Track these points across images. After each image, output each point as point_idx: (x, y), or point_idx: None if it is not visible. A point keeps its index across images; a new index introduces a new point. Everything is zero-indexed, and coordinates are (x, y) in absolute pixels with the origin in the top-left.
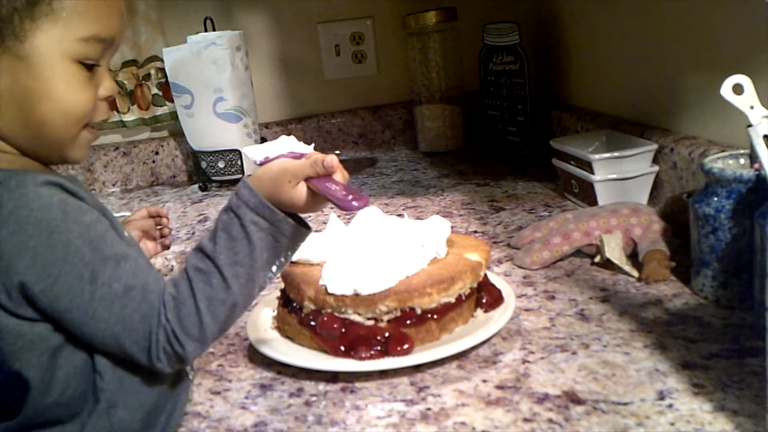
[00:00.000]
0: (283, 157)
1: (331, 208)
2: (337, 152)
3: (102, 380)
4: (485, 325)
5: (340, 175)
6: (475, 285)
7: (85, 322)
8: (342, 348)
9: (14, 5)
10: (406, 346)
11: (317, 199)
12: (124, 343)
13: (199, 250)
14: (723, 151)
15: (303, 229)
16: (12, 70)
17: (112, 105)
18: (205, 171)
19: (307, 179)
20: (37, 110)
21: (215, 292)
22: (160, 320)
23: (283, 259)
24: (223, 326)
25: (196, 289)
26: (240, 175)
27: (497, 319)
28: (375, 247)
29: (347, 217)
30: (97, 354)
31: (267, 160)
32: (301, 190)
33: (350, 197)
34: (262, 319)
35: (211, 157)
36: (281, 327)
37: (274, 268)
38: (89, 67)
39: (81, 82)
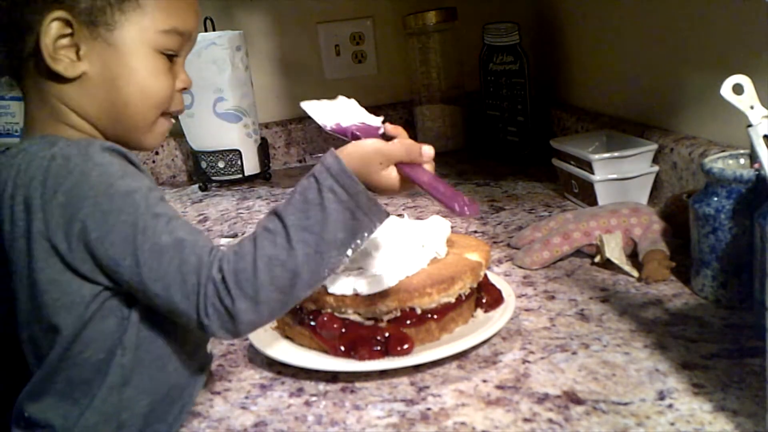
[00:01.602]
0: (356, 128)
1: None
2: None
3: (123, 355)
4: (485, 325)
5: (430, 165)
6: (475, 285)
7: (136, 272)
8: (342, 348)
9: None
10: (406, 346)
11: (405, 185)
12: (173, 296)
13: (272, 211)
14: (723, 151)
15: (383, 210)
16: (103, 57)
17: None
18: (205, 171)
19: (398, 164)
20: (123, 93)
21: (277, 252)
22: (210, 273)
23: (359, 241)
24: (282, 294)
25: (259, 246)
26: (240, 175)
27: (497, 319)
28: (375, 247)
29: None
30: (128, 327)
31: (340, 128)
32: (392, 174)
33: (461, 202)
34: None
35: (211, 157)
36: (281, 327)
37: (349, 252)
38: (169, 58)
39: (161, 71)
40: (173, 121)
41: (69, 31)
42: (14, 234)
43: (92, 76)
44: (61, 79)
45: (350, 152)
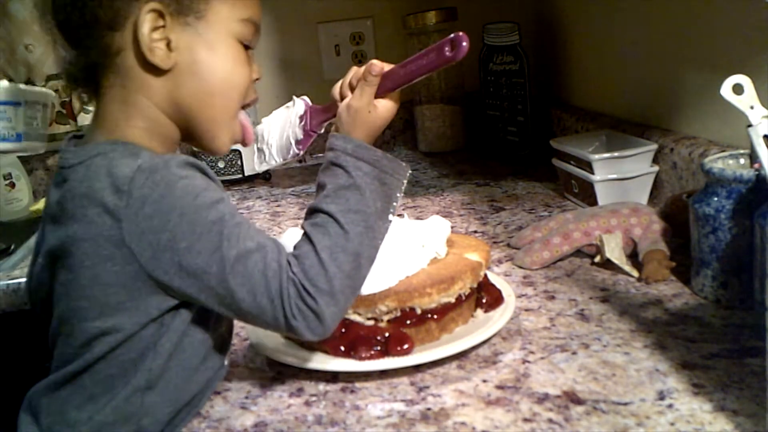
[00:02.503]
0: (308, 126)
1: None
2: None
3: (154, 359)
4: (485, 325)
5: (386, 65)
6: (475, 285)
7: (223, 278)
8: (342, 348)
9: None
10: (406, 346)
11: (398, 96)
12: (261, 300)
13: (310, 210)
14: (723, 151)
15: (403, 165)
16: (191, 45)
17: None
18: None
19: (377, 95)
20: (209, 82)
21: (334, 240)
22: (289, 275)
23: (395, 203)
24: (351, 279)
25: (315, 241)
26: (240, 176)
27: (497, 319)
28: None
29: None
30: (164, 334)
31: (303, 140)
32: (385, 104)
33: (447, 46)
34: None
35: (210, 157)
36: None
37: (390, 216)
38: (246, 47)
39: (243, 60)
40: (246, 125)
41: (161, 23)
42: (84, 234)
43: (183, 67)
44: (155, 71)
45: (345, 126)
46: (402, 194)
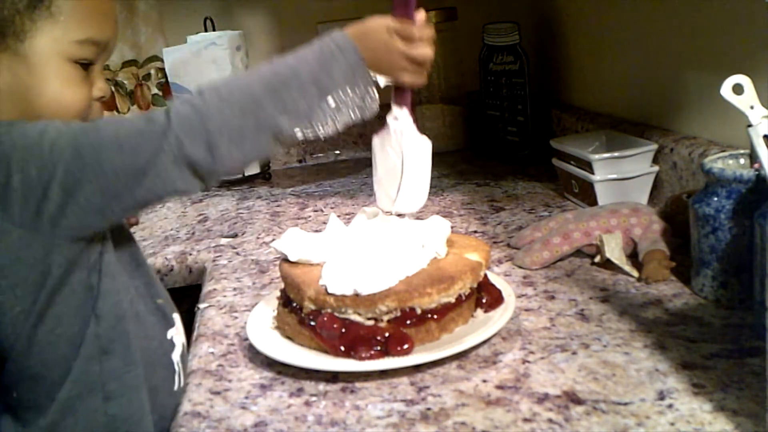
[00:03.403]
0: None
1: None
2: (337, 152)
3: (98, 325)
4: (485, 325)
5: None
6: (475, 285)
7: (96, 142)
8: (342, 348)
9: (16, 7)
10: (406, 346)
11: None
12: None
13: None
14: (723, 151)
15: (369, 79)
16: (12, 68)
17: (110, 106)
18: None
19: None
20: (35, 105)
21: (233, 79)
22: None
23: (340, 94)
24: (236, 125)
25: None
26: (240, 175)
27: (497, 319)
28: (375, 247)
29: (347, 217)
30: (100, 296)
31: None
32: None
33: None
34: (262, 319)
35: None
36: (281, 327)
37: (330, 100)
38: (84, 66)
39: (76, 81)
40: None
41: None
42: None
43: (2, 89)
44: None
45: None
46: (357, 103)
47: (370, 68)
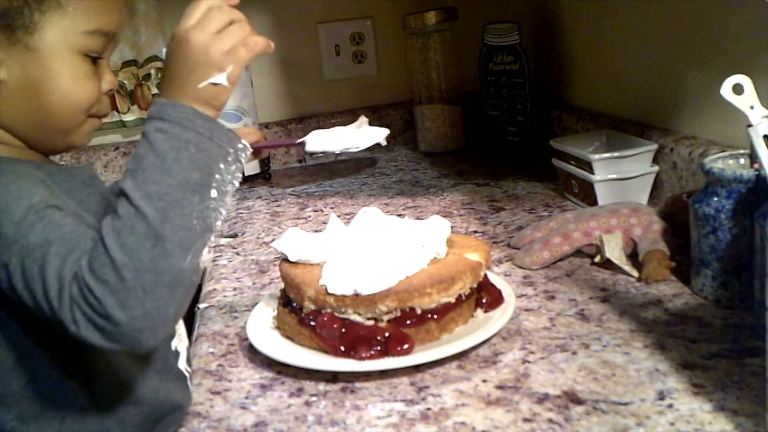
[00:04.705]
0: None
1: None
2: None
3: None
4: (485, 325)
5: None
6: (475, 285)
7: (5, 277)
8: (342, 348)
9: None
10: (406, 346)
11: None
12: (40, 301)
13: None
14: (723, 151)
15: (228, 131)
16: (22, 62)
17: (113, 104)
18: None
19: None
20: (46, 99)
21: (123, 222)
22: (74, 269)
23: (219, 176)
24: (154, 270)
25: (105, 225)
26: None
27: (497, 319)
28: (375, 247)
29: (347, 217)
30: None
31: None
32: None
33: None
34: (262, 319)
35: None
36: (281, 327)
37: (213, 192)
38: (93, 60)
39: (86, 74)
40: (102, 119)
41: None
42: None
43: (10, 84)
44: None
45: (168, 71)
46: (237, 166)
47: (211, 74)
